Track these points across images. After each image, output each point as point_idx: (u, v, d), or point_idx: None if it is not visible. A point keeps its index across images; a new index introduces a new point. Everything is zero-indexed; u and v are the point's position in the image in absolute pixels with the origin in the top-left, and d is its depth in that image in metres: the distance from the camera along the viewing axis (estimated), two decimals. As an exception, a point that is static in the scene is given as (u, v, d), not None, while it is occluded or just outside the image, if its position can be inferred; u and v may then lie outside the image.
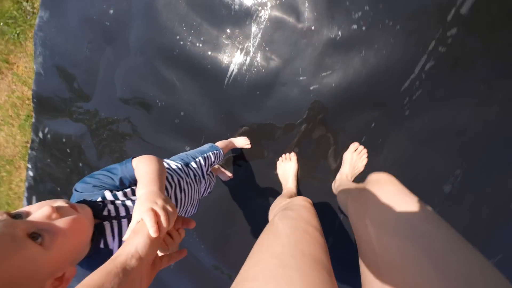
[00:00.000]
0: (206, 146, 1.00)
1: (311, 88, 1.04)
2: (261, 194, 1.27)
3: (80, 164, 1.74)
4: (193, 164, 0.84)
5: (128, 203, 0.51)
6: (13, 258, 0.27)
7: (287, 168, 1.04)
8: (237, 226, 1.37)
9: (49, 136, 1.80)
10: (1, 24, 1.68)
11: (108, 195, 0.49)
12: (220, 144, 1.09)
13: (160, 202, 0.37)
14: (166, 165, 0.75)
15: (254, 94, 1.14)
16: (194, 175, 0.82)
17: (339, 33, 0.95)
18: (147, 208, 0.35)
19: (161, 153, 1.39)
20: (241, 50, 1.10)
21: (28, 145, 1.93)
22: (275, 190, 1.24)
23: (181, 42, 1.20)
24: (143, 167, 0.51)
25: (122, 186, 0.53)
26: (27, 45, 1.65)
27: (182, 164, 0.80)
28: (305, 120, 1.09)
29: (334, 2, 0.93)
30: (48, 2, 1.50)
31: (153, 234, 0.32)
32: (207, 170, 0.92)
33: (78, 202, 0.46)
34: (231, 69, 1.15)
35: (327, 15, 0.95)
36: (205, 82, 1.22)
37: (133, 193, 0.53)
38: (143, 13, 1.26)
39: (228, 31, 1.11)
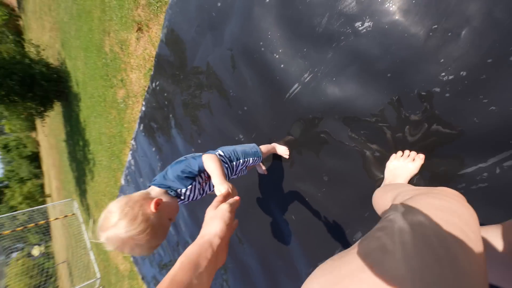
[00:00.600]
0: (252, 148, 1.22)
1: (353, 134, 1.03)
2: (280, 192, 1.46)
3: (170, 115, 2.34)
4: (234, 162, 1.09)
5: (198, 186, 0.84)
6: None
7: (406, 166, 0.88)
8: (257, 209, 1.65)
9: (157, 87, 2.45)
10: (150, -4, 2.23)
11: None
12: (263, 148, 1.29)
13: (230, 186, 0.68)
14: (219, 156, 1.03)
15: (306, 115, 1.21)
16: (231, 170, 1.08)
17: (413, 90, 0.85)
18: (226, 189, 0.65)
19: (219, 133, 1.73)
20: (310, 72, 1.15)
21: (146, 89, 2.69)
22: (293, 194, 1.38)
23: (262, 49, 1.34)
24: (212, 164, 0.80)
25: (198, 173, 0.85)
26: (160, 17, 2.17)
27: (228, 159, 1.07)
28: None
29: (416, 56, 0.82)
30: (180, -13, 1.86)
31: (238, 200, 0.60)
32: (241, 169, 1.16)
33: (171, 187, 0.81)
34: (294, 86, 1.23)
35: (408, 68, 0.85)
36: (270, 89, 1.36)
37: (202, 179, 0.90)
38: (241, 13, 1.43)
39: (305, 50, 1.15)
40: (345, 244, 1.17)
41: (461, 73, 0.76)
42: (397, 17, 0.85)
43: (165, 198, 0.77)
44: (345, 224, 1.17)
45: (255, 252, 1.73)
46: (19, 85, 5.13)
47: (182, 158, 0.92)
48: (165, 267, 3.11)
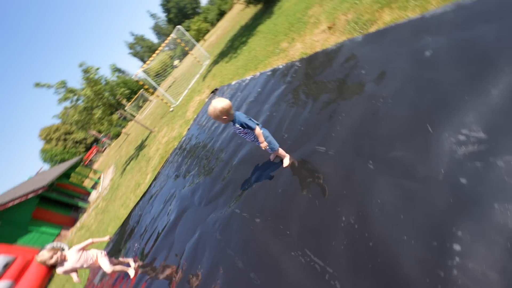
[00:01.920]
0: (276, 144, 2.00)
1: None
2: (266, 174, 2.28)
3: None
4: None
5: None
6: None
7: None
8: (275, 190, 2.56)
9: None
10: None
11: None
12: (280, 150, 2.06)
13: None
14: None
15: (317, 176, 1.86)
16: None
17: None
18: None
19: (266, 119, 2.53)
20: None
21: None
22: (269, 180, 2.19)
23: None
24: (261, 136, 1.74)
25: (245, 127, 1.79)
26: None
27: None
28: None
29: None
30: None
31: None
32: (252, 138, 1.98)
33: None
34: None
35: None
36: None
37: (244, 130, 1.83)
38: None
39: None
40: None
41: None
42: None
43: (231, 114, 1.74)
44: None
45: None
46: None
47: (248, 118, 1.80)
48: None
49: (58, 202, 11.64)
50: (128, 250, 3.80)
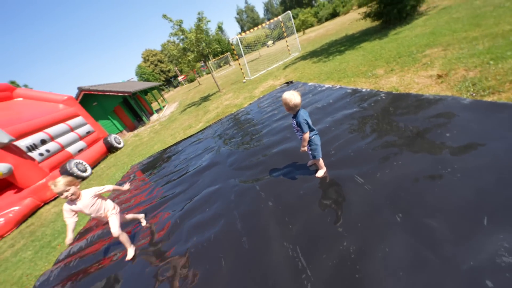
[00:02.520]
0: (320, 153, 2.11)
1: None
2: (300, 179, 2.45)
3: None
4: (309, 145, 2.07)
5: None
6: None
7: None
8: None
9: (381, 98, 3.13)
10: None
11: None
12: (321, 161, 2.16)
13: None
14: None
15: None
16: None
17: None
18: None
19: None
20: None
21: (382, 90, 3.38)
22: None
23: None
24: (305, 139, 1.89)
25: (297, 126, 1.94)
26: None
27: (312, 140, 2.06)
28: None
29: None
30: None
31: None
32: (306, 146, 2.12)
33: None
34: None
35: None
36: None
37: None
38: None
39: None
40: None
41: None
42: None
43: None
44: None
45: (261, 161, 3.02)
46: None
47: (306, 122, 1.93)
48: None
49: (131, 108, 14.40)
50: (158, 172, 4.63)
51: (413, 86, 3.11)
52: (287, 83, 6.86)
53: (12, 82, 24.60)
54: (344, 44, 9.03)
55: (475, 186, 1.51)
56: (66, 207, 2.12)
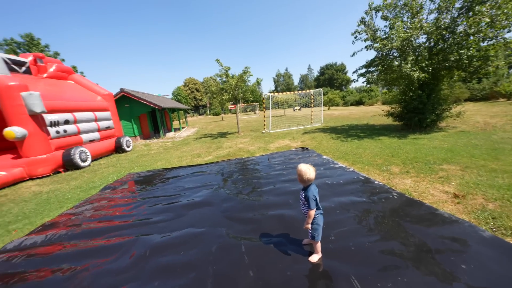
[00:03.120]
0: (319, 236, 1.96)
1: None
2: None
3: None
4: (312, 224, 1.96)
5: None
6: None
7: None
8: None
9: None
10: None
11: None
12: (318, 245, 1.99)
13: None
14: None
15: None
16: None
17: None
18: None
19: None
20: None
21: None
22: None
23: None
24: (311, 216, 1.85)
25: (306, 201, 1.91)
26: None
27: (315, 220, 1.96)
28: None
29: None
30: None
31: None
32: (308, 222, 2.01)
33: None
34: None
35: None
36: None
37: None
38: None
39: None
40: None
41: None
42: None
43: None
44: None
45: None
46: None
47: (315, 198, 1.89)
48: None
49: (154, 120, 15.31)
50: (151, 190, 4.49)
51: (428, 196, 3.05)
52: (302, 148, 7.10)
53: (74, 67, 28.22)
54: (364, 131, 9.63)
55: None
56: None
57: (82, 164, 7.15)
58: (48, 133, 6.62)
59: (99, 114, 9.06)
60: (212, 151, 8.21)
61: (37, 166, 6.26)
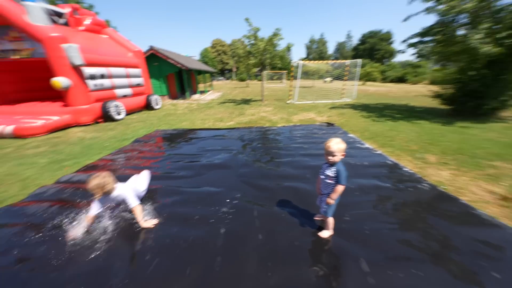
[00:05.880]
0: (333, 212, 1.91)
1: None
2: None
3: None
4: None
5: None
6: None
7: None
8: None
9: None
10: None
11: None
12: (331, 220, 1.95)
13: None
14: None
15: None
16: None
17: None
18: None
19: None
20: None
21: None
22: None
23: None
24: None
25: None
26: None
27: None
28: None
29: None
30: None
31: None
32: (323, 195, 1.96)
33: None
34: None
35: None
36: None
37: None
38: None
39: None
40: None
41: None
42: None
43: None
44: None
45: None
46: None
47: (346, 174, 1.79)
48: (283, 140, 4.99)
49: (181, 80, 15.45)
50: (176, 147, 4.74)
51: (466, 193, 2.72)
52: (328, 123, 6.69)
53: (107, 21, 28.60)
54: (402, 112, 8.62)
55: None
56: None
57: (117, 117, 7.76)
58: (87, 86, 7.11)
59: (131, 70, 9.34)
60: (234, 117, 8.20)
61: (81, 114, 6.97)
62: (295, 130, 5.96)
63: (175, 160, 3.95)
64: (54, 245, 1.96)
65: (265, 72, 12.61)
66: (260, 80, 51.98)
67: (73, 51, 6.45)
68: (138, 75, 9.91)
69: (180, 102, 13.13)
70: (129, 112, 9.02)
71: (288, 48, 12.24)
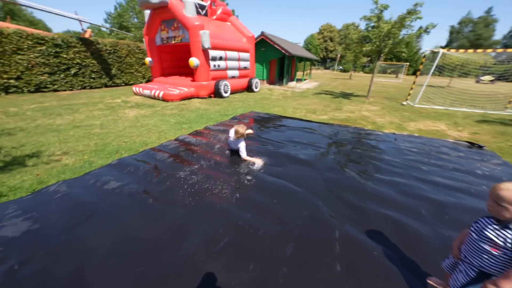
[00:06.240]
0: None
1: None
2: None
3: None
4: None
5: None
6: None
7: None
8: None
9: None
10: None
11: None
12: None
13: None
14: None
15: None
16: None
17: None
18: None
19: None
20: None
21: None
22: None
23: None
24: None
25: None
26: None
27: None
28: None
29: None
30: None
31: None
32: None
33: None
34: None
35: None
36: None
37: None
38: None
39: None
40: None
41: None
42: None
43: None
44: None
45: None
46: None
47: None
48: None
49: (282, 66, 15.77)
50: (266, 131, 4.84)
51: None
52: (470, 143, 4.57)
53: (233, 10, 33.46)
54: None
55: None
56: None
57: (224, 94, 9.11)
58: (209, 65, 8.69)
59: (242, 54, 10.46)
60: (329, 111, 7.41)
61: (201, 89, 8.74)
62: (409, 141, 4.52)
63: (262, 143, 4.07)
64: (170, 186, 2.54)
65: (378, 63, 10.12)
66: (368, 72, 44.19)
67: (205, 36, 7.94)
68: (247, 59, 10.96)
69: (276, 87, 13.56)
70: (233, 92, 10.34)
71: (425, 31, 9.05)
